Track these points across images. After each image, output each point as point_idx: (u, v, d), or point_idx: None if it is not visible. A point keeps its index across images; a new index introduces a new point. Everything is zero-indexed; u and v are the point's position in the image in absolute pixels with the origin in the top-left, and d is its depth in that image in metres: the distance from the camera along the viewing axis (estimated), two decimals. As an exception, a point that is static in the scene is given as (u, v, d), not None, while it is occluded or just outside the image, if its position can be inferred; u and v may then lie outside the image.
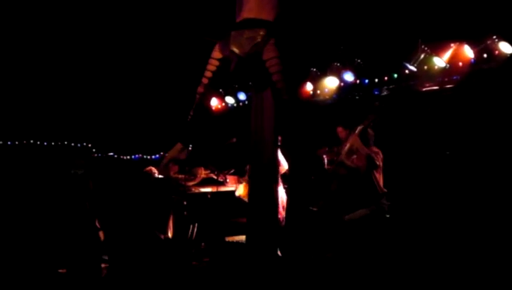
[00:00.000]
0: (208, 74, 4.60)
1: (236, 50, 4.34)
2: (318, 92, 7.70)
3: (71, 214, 5.42)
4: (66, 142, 10.04)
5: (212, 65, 4.57)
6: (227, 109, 9.21)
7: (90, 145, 10.37)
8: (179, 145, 4.77)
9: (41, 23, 7.70)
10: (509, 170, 5.69)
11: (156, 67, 8.76)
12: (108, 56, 8.62)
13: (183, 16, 7.29)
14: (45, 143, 9.77)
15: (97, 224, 5.52)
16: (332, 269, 4.61)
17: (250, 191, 4.82)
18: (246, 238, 4.75)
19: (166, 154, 4.88)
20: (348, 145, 5.80)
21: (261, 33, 4.28)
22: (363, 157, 5.52)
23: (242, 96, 8.80)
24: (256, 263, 4.35)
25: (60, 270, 5.12)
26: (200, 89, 4.65)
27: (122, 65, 8.85)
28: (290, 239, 4.47)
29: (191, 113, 4.70)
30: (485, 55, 5.93)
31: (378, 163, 5.46)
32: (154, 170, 6.87)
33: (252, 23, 4.31)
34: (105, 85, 9.30)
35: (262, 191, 4.54)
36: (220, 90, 9.11)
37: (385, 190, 5.58)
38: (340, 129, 6.37)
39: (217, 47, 4.55)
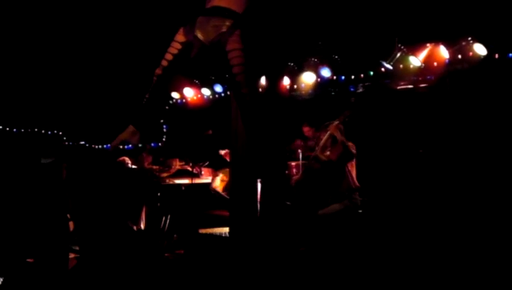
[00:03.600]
0: (168, 56, 4.45)
1: (200, 36, 4.26)
2: (295, 86, 7.72)
3: (40, 203, 5.31)
4: (36, 130, 9.78)
5: (174, 48, 4.43)
6: (204, 100, 9.15)
7: (61, 133, 10.13)
8: (130, 128, 4.62)
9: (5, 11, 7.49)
10: (479, 168, 5.85)
11: (131, 57, 8.61)
12: (81, 43, 8.43)
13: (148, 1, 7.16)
14: (14, 130, 9.50)
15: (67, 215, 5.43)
16: (306, 263, 4.64)
17: (232, 184, 4.78)
18: (230, 230, 4.72)
19: (118, 136, 4.73)
20: (323, 140, 5.85)
21: (227, 23, 4.21)
22: (337, 150, 5.58)
23: (218, 88, 8.75)
24: (237, 255, 4.34)
25: (27, 260, 5.01)
26: (158, 71, 4.49)
27: (96, 54, 8.67)
28: (265, 233, 4.47)
29: (147, 96, 4.58)
30: (459, 56, 6.06)
31: (354, 152, 5.54)
32: (127, 160, 6.79)
33: (220, 12, 4.23)
34: (77, 72, 9.09)
35: (244, 184, 4.52)
36: (196, 81, 9.03)
37: (358, 185, 5.65)
38: (306, 129, 6.42)
39: (181, 30, 4.44)
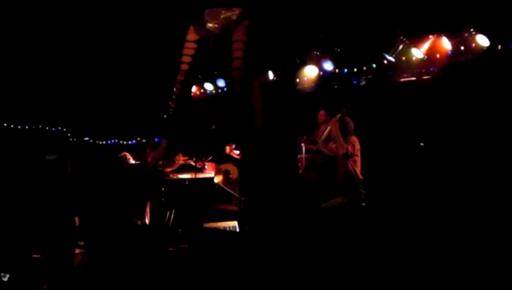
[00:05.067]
0: (186, 58, 4.39)
1: (212, 27, 4.21)
2: (298, 80, 7.72)
3: (46, 199, 5.34)
4: (40, 126, 9.85)
5: (190, 48, 4.38)
6: (206, 95, 9.16)
7: (65, 129, 10.20)
8: (164, 142, 4.62)
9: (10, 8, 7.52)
10: (482, 160, 5.83)
11: (132, 52, 8.64)
12: (84, 41, 8.47)
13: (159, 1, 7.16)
14: (19, 127, 9.57)
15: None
16: (309, 256, 4.66)
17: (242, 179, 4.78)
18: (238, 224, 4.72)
19: (154, 154, 4.70)
20: (325, 133, 5.85)
21: (237, 12, 4.17)
22: (338, 147, 5.58)
23: (221, 83, 8.75)
24: (242, 249, 4.35)
25: (34, 256, 5.06)
26: (180, 77, 4.44)
27: (99, 50, 8.70)
28: (270, 227, 4.49)
29: (173, 106, 4.51)
30: (462, 48, 6.03)
31: (349, 153, 5.52)
32: (128, 155, 6.80)
33: (229, 2, 4.21)
34: (81, 69, 9.13)
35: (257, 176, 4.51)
36: (199, 76, 9.04)
37: (362, 178, 5.65)
38: (322, 112, 6.38)
39: (191, 29, 4.38)
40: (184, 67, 4.42)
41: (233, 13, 4.16)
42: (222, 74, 8.69)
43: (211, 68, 8.81)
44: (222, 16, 4.18)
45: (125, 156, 6.69)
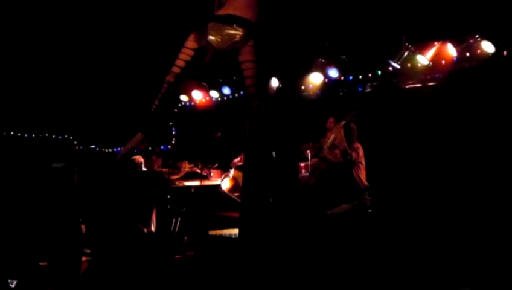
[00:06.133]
0: (180, 63, 4.33)
1: (214, 43, 4.21)
2: (303, 87, 7.72)
3: (53, 207, 5.37)
4: (46, 135, 9.89)
5: (186, 54, 4.33)
6: (212, 103, 9.18)
7: (71, 137, 10.24)
8: (139, 135, 4.57)
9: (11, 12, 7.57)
10: (488, 167, 5.81)
11: (138, 60, 8.67)
12: (90, 47, 8.51)
13: (156, 4, 7.20)
14: (26, 135, 9.61)
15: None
16: (315, 263, 4.65)
17: (244, 186, 4.77)
18: (239, 231, 4.70)
19: (127, 144, 4.69)
20: (330, 140, 5.87)
21: (241, 33, 4.16)
22: (342, 154, 5.59)
23: (226, 90, 8.77)
24: (246, 256, 4.33)
25: (41, 263, 5.07)
26: (170, 78, 4.38)
27: (104, 59, 8.74)
28: (275, 234, 4.48)
29: (156, 103, 4.49)
30: (467, 54, 6.03)
31: (352, 159, 5.52)
32: (141, 159, 6.84)
33: (235, 20, 4.18)
34: (88, 77, 9.18)
35: (256, 184, 4.50)
36: (204, 84, 9.07)
37: (367, 185, 5.64)
38: (331, 119, 6.40)
39: (191, 37, 4.37)
40: (176, 70, 4.37)
41: (237, 33, 4.14)
42: (227, 82, 8.71)
43: (216, 76, 8.84)
44: (226, 32, 4.15)
45: (138, 159, 6.73)
